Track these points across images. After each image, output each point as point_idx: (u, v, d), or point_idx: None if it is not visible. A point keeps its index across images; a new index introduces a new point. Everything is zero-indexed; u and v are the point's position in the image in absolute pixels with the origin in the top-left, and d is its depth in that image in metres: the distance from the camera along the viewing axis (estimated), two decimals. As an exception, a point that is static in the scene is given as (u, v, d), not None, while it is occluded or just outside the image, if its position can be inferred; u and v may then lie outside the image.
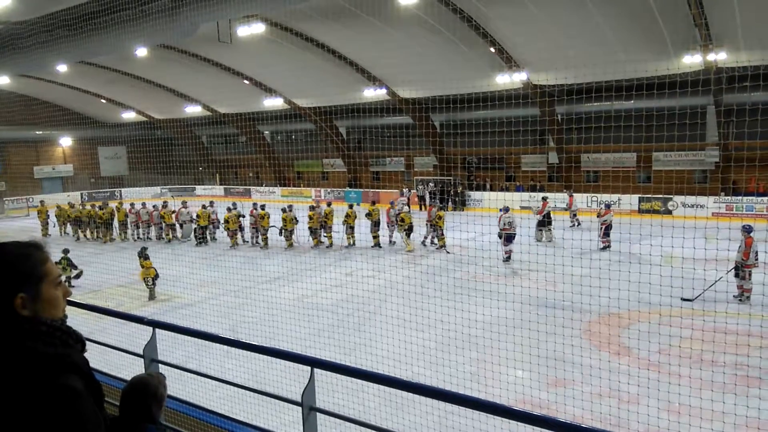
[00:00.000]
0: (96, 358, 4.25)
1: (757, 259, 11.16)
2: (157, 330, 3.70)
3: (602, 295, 9.70)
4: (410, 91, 28.60)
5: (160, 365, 3.58)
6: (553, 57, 22.10)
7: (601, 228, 16.90)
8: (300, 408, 2.86)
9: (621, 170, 26.69)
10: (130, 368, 3.90)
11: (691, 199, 23.53)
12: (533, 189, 28.66)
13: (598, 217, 17.26)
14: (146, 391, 2.08)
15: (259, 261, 17.00)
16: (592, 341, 9.36)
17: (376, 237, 18.96)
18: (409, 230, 18.29)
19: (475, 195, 28.78)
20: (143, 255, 14.75)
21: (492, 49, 23.19)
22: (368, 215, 19.03)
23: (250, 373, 6.82)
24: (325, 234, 19.48)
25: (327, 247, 19.29)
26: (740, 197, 23.02)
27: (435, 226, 18.06)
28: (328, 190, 34.87)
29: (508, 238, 15.87)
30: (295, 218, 19.53)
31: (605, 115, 21.15)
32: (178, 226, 21.73)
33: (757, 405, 6.54)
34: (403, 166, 34.50)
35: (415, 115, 30.08)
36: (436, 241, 18.21)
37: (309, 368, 2.86)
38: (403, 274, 14.52)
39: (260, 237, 19.88)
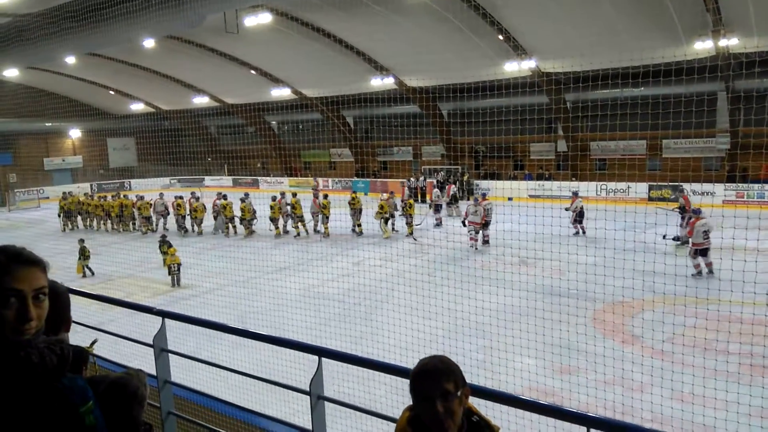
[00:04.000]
0: (107, 348, 4.32)
1: (706, 239, 12.15)
2: (167, 320, 3.74)
3: (610, 284, 9.69)
4: (418, 79, 28.47)
5: (170, 354, 3.63)
6: (562, 44, 21.91)
7: (573, 215, 17.59)
8: (308, 397, 2.90)
9: (630, 158, 26.49)
10: (142, 358, 3.95)
11: (701, 187, 23.33)
12: (542, 177, 28.53)
13: (566, 210, 17.71)
14: (125, 392, 1.95)
15: (266, 251, 17.08)
16: (600, 329, 9.36)
17: (359, 225, 19.27)
18: (388, 217, 18.77)
19: (483, 184, 28.63)
20: (166, 242, 15.09)
21: (500, 37, 23.00)
22: (351, 203, 19.27)
23: (259, 363, 6.86)
24: (293, 224, 19.70)
25: (295, 236, 19.49)
26: (751, 184, 22.80)
27: (405, 214, 18.69)
28: (336, 179, 34.90)
29: (485, 224, 17.03)
30: (253, 209, 20.08)
31: (614, 102, 20.95)
32: (212, 217, 21.65)
33: (762, 394, 6.53)
34: (411, 155, 34.43)
35: (423, 104, 29.96)
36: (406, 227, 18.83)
37: (317, 357, 2.89)
38: (411, 263, 14.55)
39: (223, 226, 20.62)
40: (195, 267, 14.53)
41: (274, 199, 19.91)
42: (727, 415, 6.03)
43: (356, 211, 19.30)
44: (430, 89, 29.21)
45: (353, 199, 19.37)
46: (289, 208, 19.67)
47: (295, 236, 19.50)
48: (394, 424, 2.89)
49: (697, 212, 12.89)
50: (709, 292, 8.43)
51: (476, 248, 16.15)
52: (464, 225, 16.61)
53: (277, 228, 19.78)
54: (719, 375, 7.20)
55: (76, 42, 19.08)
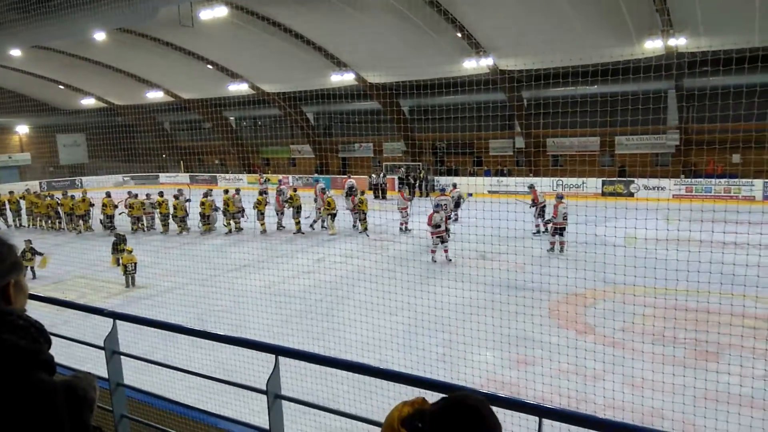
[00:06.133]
0: (58, 351, 4.16)
1: (565, 219, 14.84)
2: (121, 321, 3.64)
3: (565, 275, 9.93)
4: (378, 76, 28.43)
5: (122, 357, 3.53)
6: (519, 42, 22.25)
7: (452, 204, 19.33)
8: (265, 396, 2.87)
9: (584, 154, 27.20)
10: (94, 361, 3.83)
11: (652, 182, 24.16)
12: (501, 174, 28.99)
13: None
14: (74, 396, 1.88)
15: (226, 249, 16.83)
16: (556, 320, 9.59)
17: (298, 223, 19.30)
18: (335, 214, 19.00)
19: (443, 180, 28.86)
20: (123, 241, 14.78)
21: (459, 34, 23.20)
22: (289, 201, 19.27)
23: (218, 363, 6.78)
24: (227, 221, 19.87)
25: (226, 234, 19.60)
26: (699, 179, 23.74)
27: (358, 211, 18.84)
28: (296, 176, 34.59)
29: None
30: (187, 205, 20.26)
31: (569, 100, 21.48)
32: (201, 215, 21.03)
33: (715, 378, 6.82)
34: (372, 151, 34.42)
35: (383, 100, 29.97)
36: (359, 224, 18.86)
37: (274, 356, 2.86)
38: (373, 260, 14.57)
39: (159, 223, 20.77)
40: (152, 266, 14.17)
41: (205, 195, 20.21)
42: (675, 399, 6.27)
43: (295, 208, 19.31)
44: (391, 86, 29.25)
45: (292, 196, 19.39)
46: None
47: (226, 233, 19.65)
48: (353, 420, 2.90)
49: (560, 197, 15.26)
50: (656, 281, 8.75)
51: (434, 260, 14.52)
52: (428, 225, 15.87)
53: (206, 224, 20.09)
54: (669, 361, 7.49)
55: (21, 34, 18.31)
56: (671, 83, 22.79)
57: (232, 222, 19.87)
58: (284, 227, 19.85)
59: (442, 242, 14.59)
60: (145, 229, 20.97)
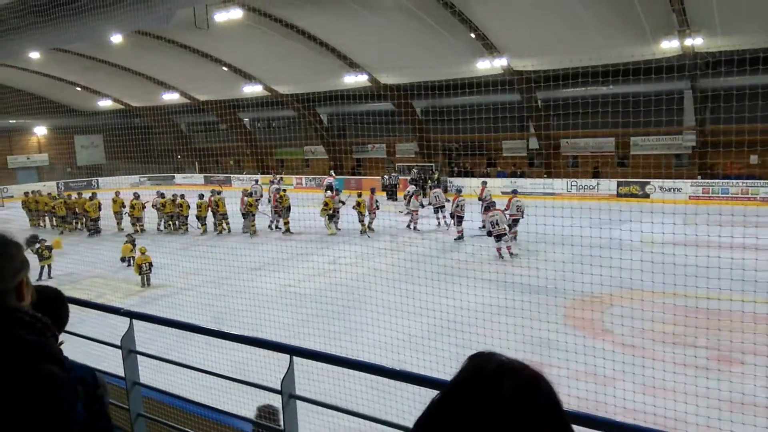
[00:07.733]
0: (76, 349, 4.21)
1: (518, 211, 15.94)
2: (137, 321, 3.68)
3: (581, 280, 9.84)
4: (391, 77, 28.45)
5: (139, 356, 3.57)
6: (533, 42, 22.17)
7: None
8: (280, 396, 2.88)
9: (599, 154, 26.96)
10: (111, 360, 3.88)
11: (668, 183, 23.87)
12: (514, 175, 28.83)
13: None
14: (92, 380, 1.98)
15: (240, 251, 16.90)
16: (572, 324, 9.51)
17: (287, 223, 19.50)
18: (333, 214, 19.20)
19: (456, 181, 28.75)
20: (134, 242, 15.03)
21: (472, 35, 23.13)
22: (278, 201, 19.48)
23: (233, 363, 6.81)
24: (216, 221, 20.22)
25: (218, 234, 19.96)
26: (716, 180, 23.42)
27: (358, 213, 19.05)
28: (310, 177, 34.70)
29: (459, 219, 17.08)
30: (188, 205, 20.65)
31: (584, 100, 21.30)
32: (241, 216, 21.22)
33: (732, 385, 6.71)
34: (385, 152, 34.42)
35: (397, 101, 29.97)
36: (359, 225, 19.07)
37: (288, 356, 2.88)
38: (387, 262, 14.57)
39: (164, 223, 21.30)
40: (168, 267, 14.31)
41: (201, 197, 20.40)
42: (691, 405, 6.18)
43: (285, 208, 19.48)
44: (404, 86, 29.23)
45: (281, 197, 19.47)
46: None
47: (218, 233, 20.04)
48: (367, 422, 2.90)
49: (515, 192, 16.80)
50: (669, 286, 8.65)
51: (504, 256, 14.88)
52: (452, 217, 17.38)
53: (203, 225, 20.43)
54: (687, 366, 7.39)
55: (40, 37, 18.59)
56: (688, 83, 22.51)
57: (223, 222, 20.23)
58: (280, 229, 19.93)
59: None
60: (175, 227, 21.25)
